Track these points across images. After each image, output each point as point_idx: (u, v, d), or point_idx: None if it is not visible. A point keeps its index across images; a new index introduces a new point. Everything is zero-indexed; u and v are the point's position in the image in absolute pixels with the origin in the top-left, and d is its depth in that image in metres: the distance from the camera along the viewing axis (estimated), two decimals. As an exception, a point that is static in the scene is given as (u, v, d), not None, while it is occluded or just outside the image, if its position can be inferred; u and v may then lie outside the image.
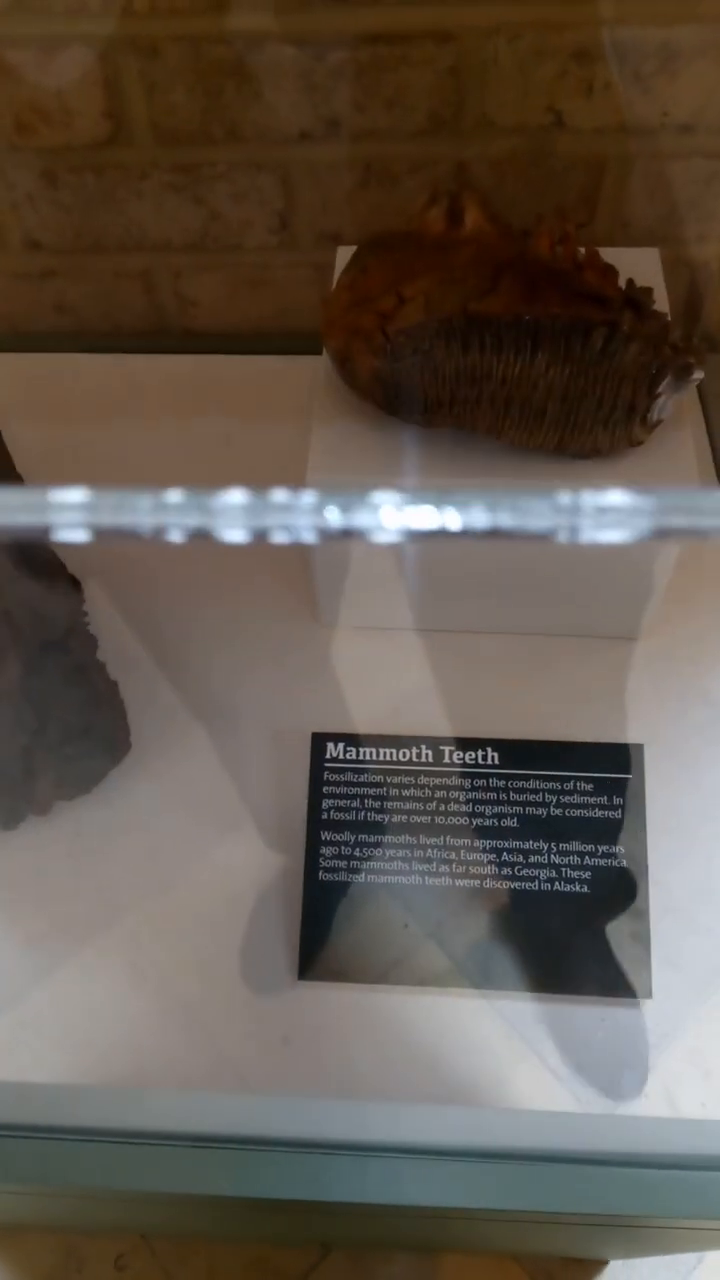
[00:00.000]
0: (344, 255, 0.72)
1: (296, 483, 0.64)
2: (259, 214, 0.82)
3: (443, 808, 0.64)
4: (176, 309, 0.90)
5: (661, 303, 0.69)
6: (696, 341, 0.60)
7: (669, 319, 0.64)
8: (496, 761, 0.65)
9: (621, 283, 0.65)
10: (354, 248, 0.69)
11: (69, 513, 0.16)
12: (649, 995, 0.60)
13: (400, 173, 0.79)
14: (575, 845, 0.63)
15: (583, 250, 0.64)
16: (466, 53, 0.72)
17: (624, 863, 0.63)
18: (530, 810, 0.64)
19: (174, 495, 0.16)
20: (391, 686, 0.72)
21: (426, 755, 0.65)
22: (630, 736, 0.68)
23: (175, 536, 0.15)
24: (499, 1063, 0.59)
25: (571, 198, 0.80)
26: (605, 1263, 1.10)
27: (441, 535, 0.16)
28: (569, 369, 0.58)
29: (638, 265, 0.71)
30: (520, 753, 0.65)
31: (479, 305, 0.56)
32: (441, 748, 0.66)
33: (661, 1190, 0.52)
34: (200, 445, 0.84)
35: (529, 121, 0.76)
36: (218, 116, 0.76)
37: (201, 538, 0.15)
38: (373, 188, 0.80)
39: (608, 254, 0.70)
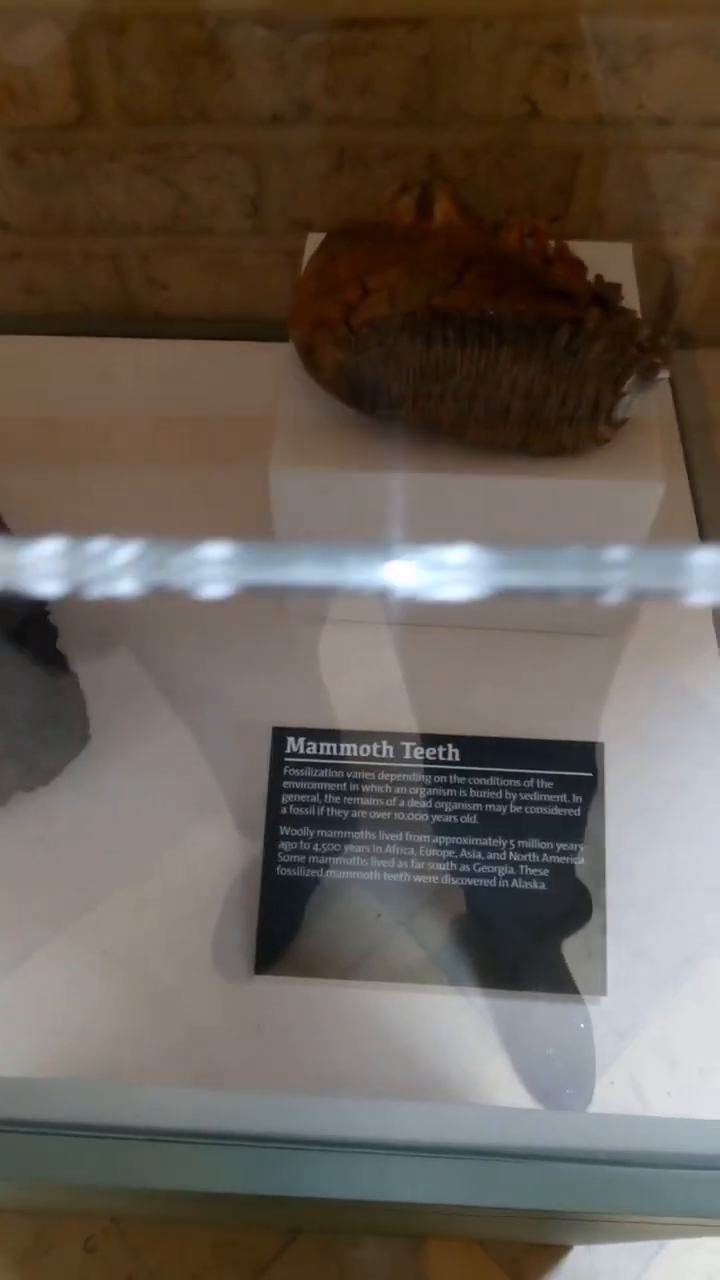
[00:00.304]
0: (314, 243, 0.71)
1: (262, 472, 0.63)
2: (230, 197, 0.81)
3: (403, 804, 0.64)
4: (147, 292, 0.88)
5: (631, 299, 0.68)
6: (664, 340, 0.59)
7: (638, 316, 0.63)
8: (457, 758, 0.65)
9: (591, 277, 0.65)
10: (324, 235, 0.68)
11: None
12: (606, 991, 0.60)
13: (373, 159, 0.78)
14: (534, 842, 0.63)
15: (553, 244, 0.63)
16: (440, 40, 0.71)
17: (582, 860, 0.63)
18: (490, 807, 0.64)
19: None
20: (357, 679, 0.72)
21: (388, 751, 0.65)
22: (593, 733, 0.68)
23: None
24: (452, 1059, 0.59)
25: (546, 189, 0.79)
26: (568, 1248, 1.12)
27: (275, 589, 0.16)
28: (533, 366, 0.57)
29: (610, 260, 0.71)
30: (481, 749, 0.65)
31: (443, 300, 0.56)
32: (403, 744, 0.65)
33: (625, 1188, 0.52)
34: (171, 431, 0.83)
35: (503, 111, 0.75)
36: (188, 97, 0.75)
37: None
38: (345, 174, 0.79)
39: (580, 248, 0.69)
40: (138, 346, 0.88)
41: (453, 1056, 0.59)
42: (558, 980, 0.61)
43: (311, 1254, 1.11)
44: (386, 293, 0.58)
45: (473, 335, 0.56)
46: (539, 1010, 0.60)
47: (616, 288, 0.64)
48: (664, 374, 0.59)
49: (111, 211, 0.82)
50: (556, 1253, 1.13)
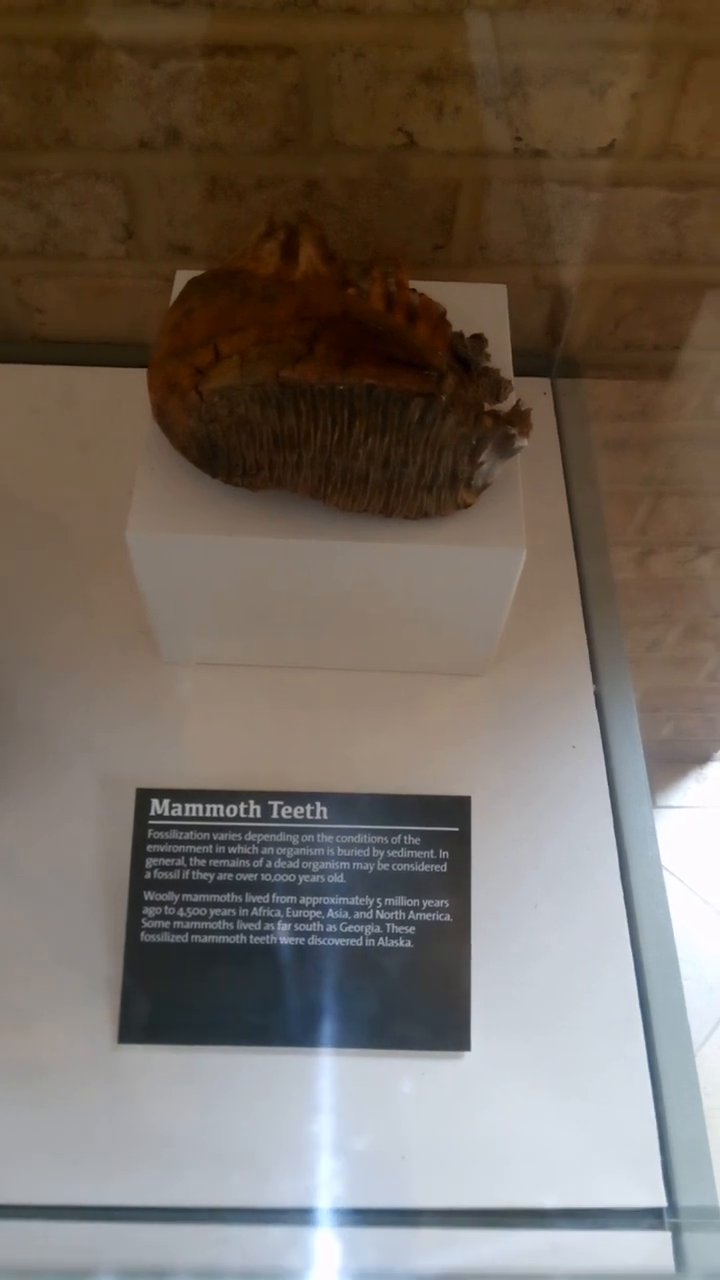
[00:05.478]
0: (181, 281, 0.68)
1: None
2: (101, 223, 0.78)
3: (269, 864, 0.64)
4: (22, 316, 0.85)
5: (503, 345, 0.67)
6: (523, 407, 0.59)
7: (501, 375, 0.62)
8: (325, 816, 0.65)
9: (462, 325, 0.63)
10: (193, 274, 0.65)
11: None
12: (468, 1048, 0.61)
13: (248, 188, 0.76)
14: (400, 900, 0.64)
15: (417, 296, 0.62)
16: (309, 69, 0.69)
17: (448, 917, 0.63)
18: (357, 865, 0.64)
19: None
20: (228, 730, 0.71)
21: (255, 810, 0.65)
22: (464, 782, 0.68)
23: None
24: (319, 1122, 0.60)
25: (427, 218, 0.77)
26: None
27: None
28: (388, 437, 0.56)
29: (484, 303, 0.70)
30: (348, 807, 0.65)
31: (292, 373, 0.54)
32: (270, 802, 0.65)
33: None
34: (51, 460, 0.81)
35: (379, 141, 0.73)
36: (48, 122, 0.72)
37: None
38: (220, 201, 0.76)
39: (453, 291, 0.68)
40: (18, 372, 0.85)
41: (321, 1118, 0.60)
42: (422, 1038, 0.61)
43: None
44: (238, 360, 0.56)
45: (324, 408, 0.55)
46: (407, 1068, 0.61)
47: (480, 343, 0.63)
48: (521, 443, 0.58)
49: (-24, 234, 0.79)
50: None
